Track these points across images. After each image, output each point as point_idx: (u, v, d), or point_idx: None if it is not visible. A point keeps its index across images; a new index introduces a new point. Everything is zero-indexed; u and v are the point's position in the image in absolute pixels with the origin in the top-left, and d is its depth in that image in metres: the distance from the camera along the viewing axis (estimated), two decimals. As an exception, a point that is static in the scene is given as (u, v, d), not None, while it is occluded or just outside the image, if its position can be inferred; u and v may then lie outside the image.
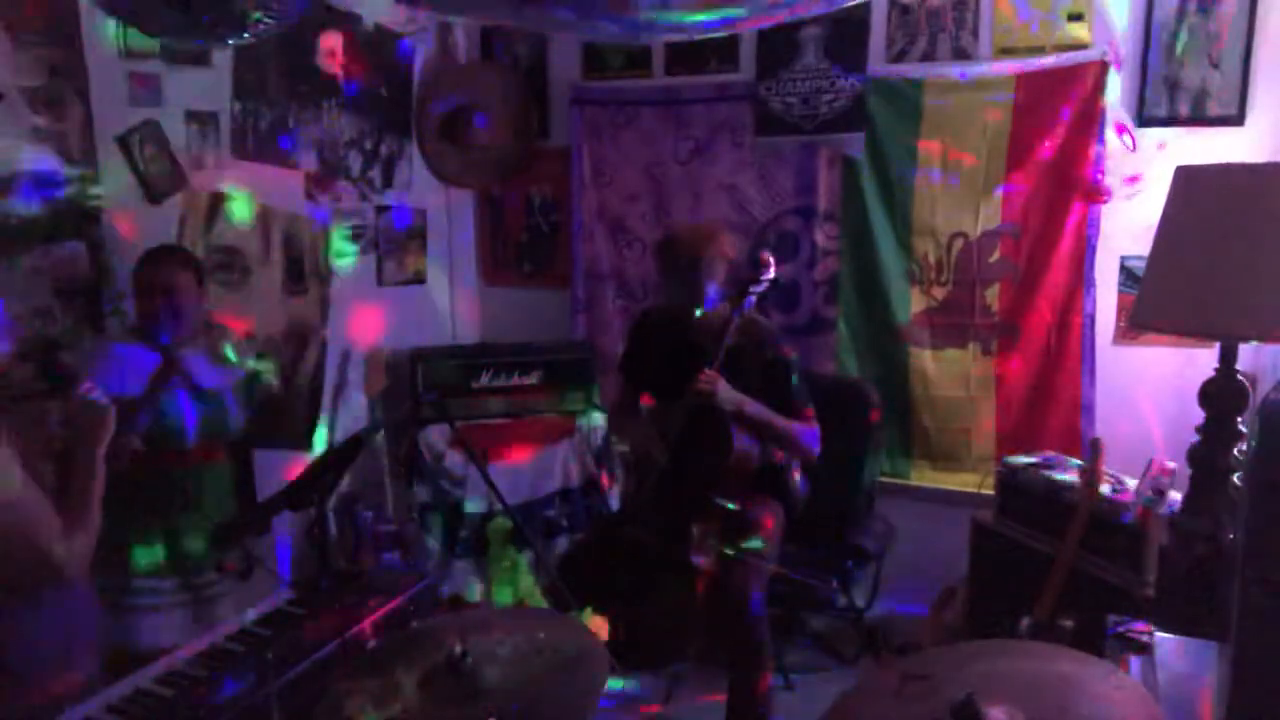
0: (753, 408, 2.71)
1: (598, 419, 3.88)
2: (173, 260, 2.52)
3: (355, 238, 3.77)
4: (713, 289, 2.75)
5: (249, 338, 3.02)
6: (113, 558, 2.30)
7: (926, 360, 3.59)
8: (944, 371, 3.56)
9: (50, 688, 1.86)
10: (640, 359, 3.05)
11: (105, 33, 2.73)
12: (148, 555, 2.43)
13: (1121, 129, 3.20)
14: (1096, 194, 3.24)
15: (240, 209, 3.24)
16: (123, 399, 2.13)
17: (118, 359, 2.43)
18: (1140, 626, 2.26)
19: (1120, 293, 3.29)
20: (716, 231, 2.90)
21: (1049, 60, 3.26)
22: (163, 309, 2.43)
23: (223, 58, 3.12)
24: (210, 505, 2.51)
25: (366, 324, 3.85)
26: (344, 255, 3.70)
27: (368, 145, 3.80)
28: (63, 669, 1.92)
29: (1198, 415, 2.38)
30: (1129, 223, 3.19)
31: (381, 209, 3.88)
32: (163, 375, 2.40)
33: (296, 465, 2.65)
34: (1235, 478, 2.30)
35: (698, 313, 2.78)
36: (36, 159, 2.59)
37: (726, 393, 2.66)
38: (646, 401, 3.04)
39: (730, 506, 2.76)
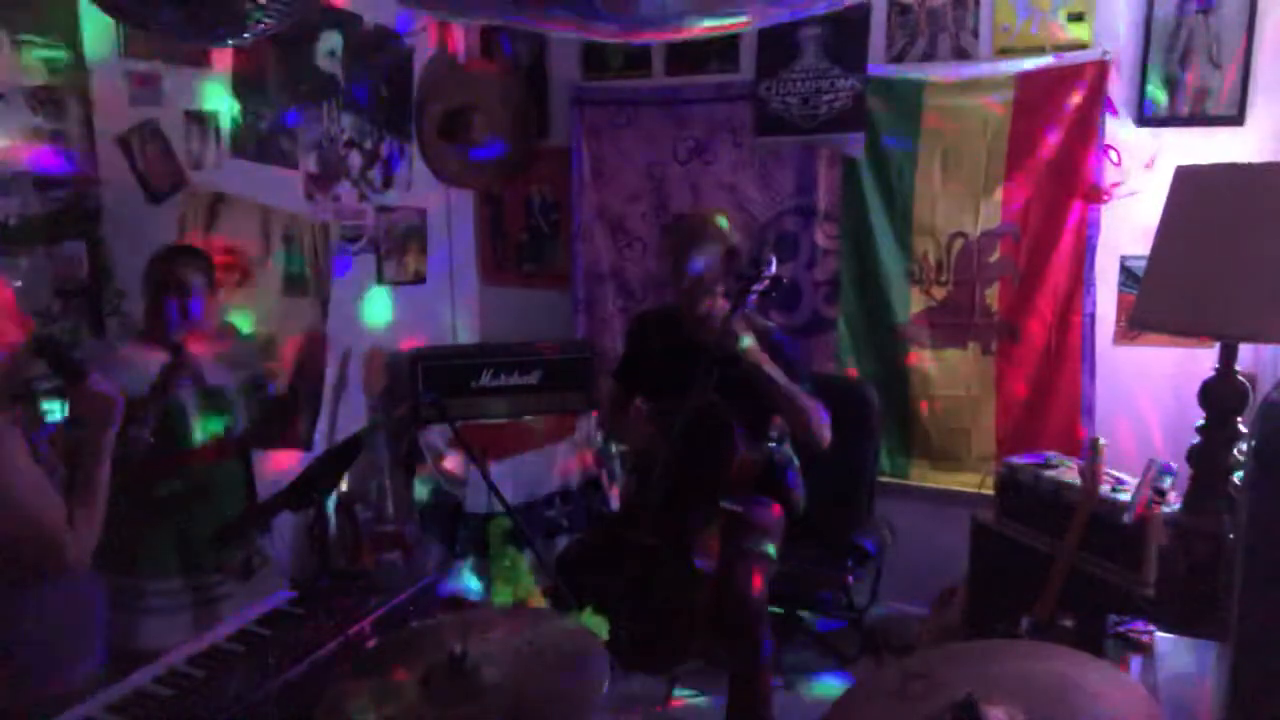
0: (773, 369, 2.65)
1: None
2: (187, 259, 2.53)
3: (355, 238, 3.77)
4: (697, 266, 2.74)
5: (254, 339, 3.02)
6: (120, 557, 2.30)
7: (926, 360, 3.58)
8: (944, 371, 3.56)
9: (57, 678, 1.86)
10: (639, 362, 3.05)
11: (105, 33, 2.73)
12: (155, 555, 2.43)
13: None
14: (1096, 194, 3.24)
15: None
16: (131, 398, 2.13)
17: (123, 357, 2.43)
18: (1140, 626, 2.27)
19: (1120, 293, 3.29)
20: (720, 223, 2.89)
21: (1049, 60, 3.26)
22: (175, 307, 2.44)
23: (223, 57, 3.11)
24: (223, 505, 2.50)
25: (366, 324, 3.86)
26: (343, 255, 3.71)
27: (368, 145, 3.80)
28: (69, 659, 1.92)
29: (1198, 415, 2.38)
30: (1129, 223, 3.19)
31: (381, 209, 3.88)
32: (172, 373, 2.40)
33: (296, 465, 2.66)
34: (1235, 478, 2.30)
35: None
36: (36, 159, 2.59)
37: (753, 344, 2.61)
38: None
39: (731, 507, 2.76)
